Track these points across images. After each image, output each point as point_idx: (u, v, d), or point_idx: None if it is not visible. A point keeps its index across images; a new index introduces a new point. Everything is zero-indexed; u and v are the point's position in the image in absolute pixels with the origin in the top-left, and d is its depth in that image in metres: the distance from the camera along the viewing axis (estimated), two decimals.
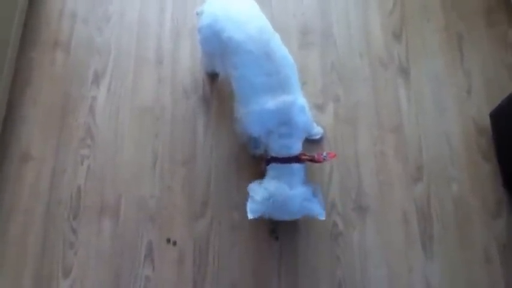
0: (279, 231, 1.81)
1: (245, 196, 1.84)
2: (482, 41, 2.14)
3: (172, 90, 2.05)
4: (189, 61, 2.10)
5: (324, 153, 1.66)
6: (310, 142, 1.89)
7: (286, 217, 1.67)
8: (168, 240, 1.81)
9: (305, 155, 1.63)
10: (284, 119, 1.57)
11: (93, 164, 1.92)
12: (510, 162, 1.85)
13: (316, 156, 1.64)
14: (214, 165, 1.92)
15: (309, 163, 1.66)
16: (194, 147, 1.95)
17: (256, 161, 1.90)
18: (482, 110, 2.00)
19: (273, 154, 1.63)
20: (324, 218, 1.60)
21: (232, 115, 1.80)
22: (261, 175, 1.87)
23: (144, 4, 2.21)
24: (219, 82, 2.04)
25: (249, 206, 1.59)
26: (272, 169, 1.64)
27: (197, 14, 1.81)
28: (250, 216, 1.57)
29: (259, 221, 1.81)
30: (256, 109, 1.58)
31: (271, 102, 1.56)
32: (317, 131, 1.93)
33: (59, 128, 1.97)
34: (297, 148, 1.63)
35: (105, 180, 1.89)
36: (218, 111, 2.01)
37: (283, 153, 1.61)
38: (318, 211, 1.60)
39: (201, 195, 1.87)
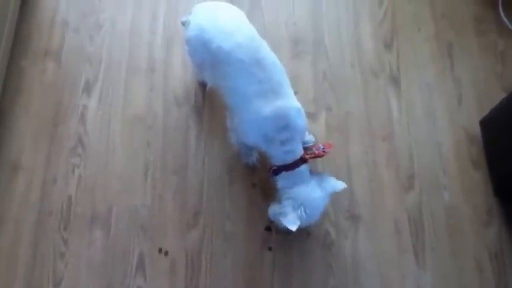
0: (272, 241, 1.81)
1: (238, 205, 1.87)
2: (473, 50, 2.16)
3: (164, 98, 2.04)
4: (181, 69, 2.09)
5: (321, 147, 1.67)
6: None
7: (320, 211, 1.64)
8: (160, 250, 1.79)
9: (307, 154, 1.63)
10: (283, 124, 1.56)
11: (84, 173, 1.90)
12: (501, 170, 1.86)
13: (316, 152, 1.65)
14: (207, 174, 1.92)
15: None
16: (186, 156, 1.94)
17: (249, 169, 1.90)
18: (472, 118, 2.02)
19: (279, 163, 1.62)
20: (346, 186, 1.63)
21: (225, 123, 1.80)
22: (253, 185, 1.88)
23: (136, 12, 2.21)
24: (211, 91, 2.04)
25: (285, 221, 1.56)
26: (284, 179, 1.62)
27: (182, 23, 1.80)
28: (293, 228, 1.53)
29: (252, 230, 1.82)
30: (252, 117, 1.57)
31: (266, 109, 1.55)
32: (308, 139, 1.92)
33: (49, 137, 1.96)
34: (300, 150, 1.62)
35: (96, 190, 1.88)
36: (210, 120, 2.01)
37: (289, 159, 1.60)
38: (338, 184, 1.63)
39: (193, 205, 1.86)
